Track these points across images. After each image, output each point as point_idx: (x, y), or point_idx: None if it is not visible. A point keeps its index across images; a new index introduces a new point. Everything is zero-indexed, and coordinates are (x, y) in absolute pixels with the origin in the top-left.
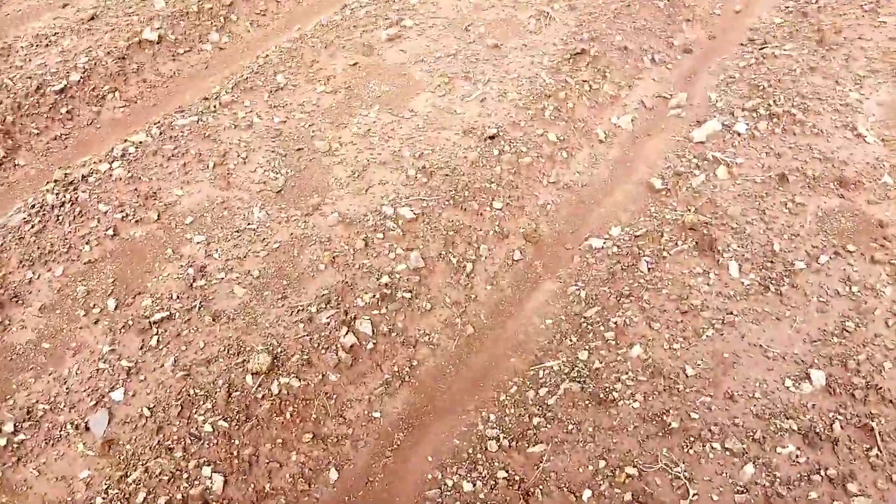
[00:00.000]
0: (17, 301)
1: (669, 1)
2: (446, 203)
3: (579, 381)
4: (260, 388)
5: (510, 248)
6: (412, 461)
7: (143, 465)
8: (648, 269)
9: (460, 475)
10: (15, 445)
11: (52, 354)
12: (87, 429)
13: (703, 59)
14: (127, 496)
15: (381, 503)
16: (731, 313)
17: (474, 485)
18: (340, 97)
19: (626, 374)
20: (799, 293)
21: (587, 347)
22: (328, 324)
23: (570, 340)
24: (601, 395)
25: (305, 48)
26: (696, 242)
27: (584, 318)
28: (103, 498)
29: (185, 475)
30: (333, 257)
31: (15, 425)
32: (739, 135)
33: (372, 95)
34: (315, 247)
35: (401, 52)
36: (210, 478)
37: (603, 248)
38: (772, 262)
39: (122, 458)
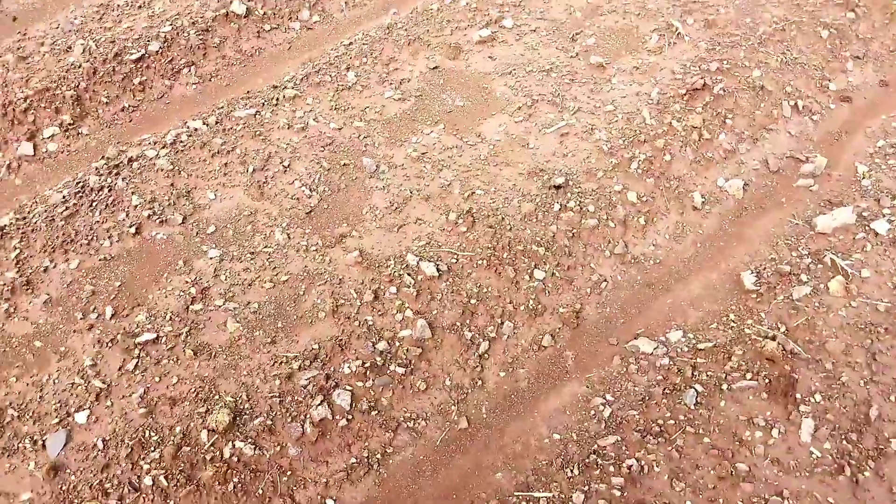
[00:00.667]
0: (28, 289)
1: (837, 30)
2: (479, 261)
3: None
4: (212, 448)
5: (541, 331)
6: None
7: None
8: (696, 402)
9: None
10: None
11: (40, 355)
12: (44, 447)
13: (863, 112)
14: None
15: None
16: (782, 494)
17: None
18: (407, 107)
19: None
20: (882, 488)
21: (586, 489)
22: (305, 387)
23: (571, 472)
24: None
25: (388, 42)
26: (770, 381)
27: (598, 446)
28: None
29: None
30: (337, 306)
31: None
32: (876, 235)
33: (442, 109)
34: (323, 287)
35: (489, 58)
36: None
37: (652, 354)
38: (861, 431)
39: (62, 488)
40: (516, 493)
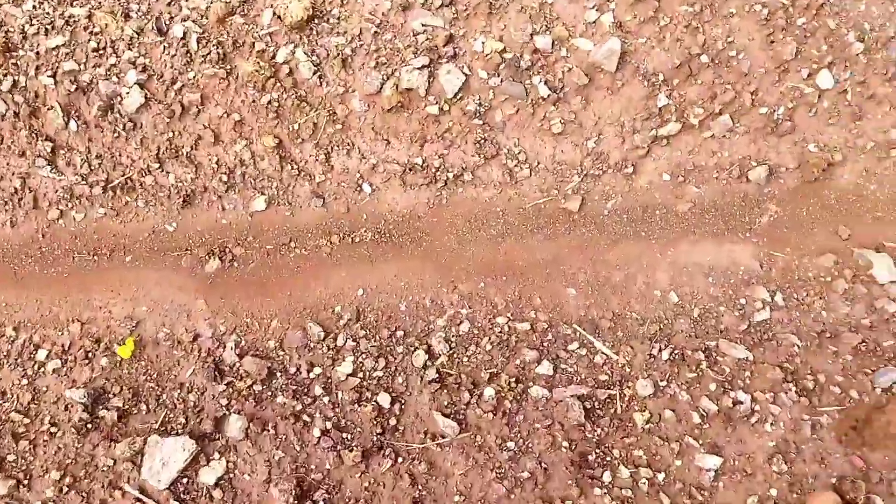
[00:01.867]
0: None
1: None
2: None
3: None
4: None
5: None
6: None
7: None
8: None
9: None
10: None
11: None
12: None
13: None
14: None
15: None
16: None
17: None
18: None
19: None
20: None
21: (662, 381)
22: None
23: (658, 351)
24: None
25: None
26: None
27: (716, 348)
28: None
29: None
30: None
31: None
32: None
33: None
34: None
35: None
36: None
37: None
38: None
39: None
40: (576, 325)
